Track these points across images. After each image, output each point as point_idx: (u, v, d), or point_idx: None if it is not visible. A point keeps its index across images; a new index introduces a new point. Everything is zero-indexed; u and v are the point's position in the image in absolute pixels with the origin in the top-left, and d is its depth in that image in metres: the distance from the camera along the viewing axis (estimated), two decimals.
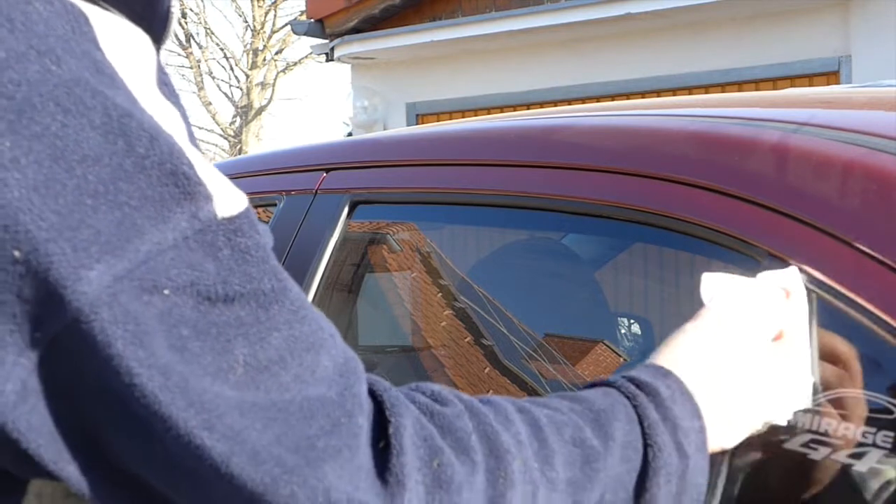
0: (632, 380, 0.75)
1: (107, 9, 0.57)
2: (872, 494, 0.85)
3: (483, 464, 0.62)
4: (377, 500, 0.56)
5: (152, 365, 0.51)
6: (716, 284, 0.86)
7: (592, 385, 0.77)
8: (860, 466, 0.84)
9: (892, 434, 0.83)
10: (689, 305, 1.00)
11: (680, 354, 0.79)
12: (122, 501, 0.56)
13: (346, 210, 1.42)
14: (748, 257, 0.97)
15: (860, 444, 0.85)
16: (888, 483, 0.84)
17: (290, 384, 0.55)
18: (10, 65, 0.50)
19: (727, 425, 0.79)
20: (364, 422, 0.58)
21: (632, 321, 1.50)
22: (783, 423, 0.83)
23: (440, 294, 1.53)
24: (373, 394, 0.61)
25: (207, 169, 0.56)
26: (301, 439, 0.55)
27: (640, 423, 0.72)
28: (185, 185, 0.54)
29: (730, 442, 0.80)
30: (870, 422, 0.85)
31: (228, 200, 0.56)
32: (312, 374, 0.57)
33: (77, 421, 0.53)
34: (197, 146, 0.59)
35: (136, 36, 0.59)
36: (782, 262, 0.93)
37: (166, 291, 0.52)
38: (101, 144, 0.52)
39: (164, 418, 0.52)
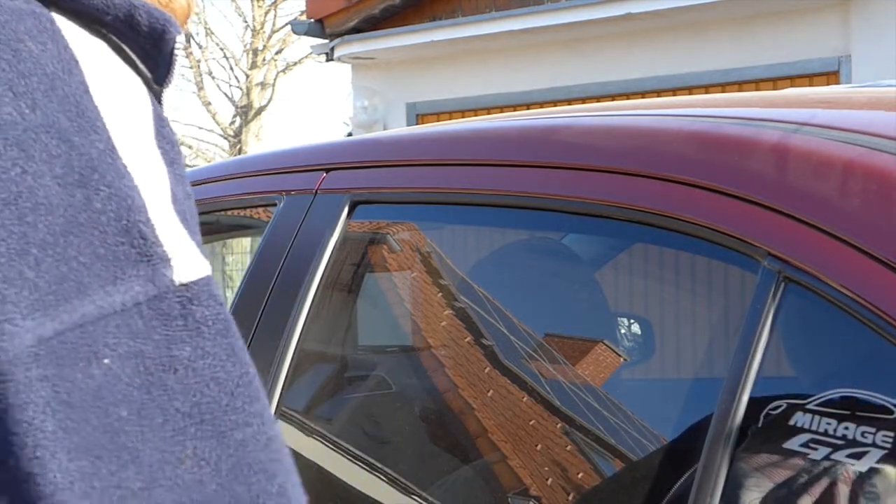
0: None
1: (111, 39, 0.55)
2: (872, 494, 0.85)
3: None
4: None
5: (62, 443, 0.46)
6: None
7: None
8: (860, 466, 0.84)
9: (892, 434, 0.83)
10: (689, 305, 1.00)
11: None
12: None
13: (346, 210, 1.42)
14: (748, 257, 0.97)
15: (860, 444, 0.85)
16: (888, 483, 0.84)
17: (274, 498, 0.49)
18: None
19: None
20: None
21: (632, 321, 1.50)
22: None
23: (440, 294, 1.53)
24: None
25: (173, 229, 0.51)
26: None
27: None
28: (140, 246, 0.49)
29: None
30: (870, 422, 0.85)
31: (188, 265, 0.51)
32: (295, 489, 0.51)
33: None
34: (183, 206, 0.55)
35: (133, 83, 0.56)
36: (782, 262, 0.93)
37: (106, 361, 0.47)
38: (57, 194, 0.48)
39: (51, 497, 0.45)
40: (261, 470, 0.49)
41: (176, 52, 0.60)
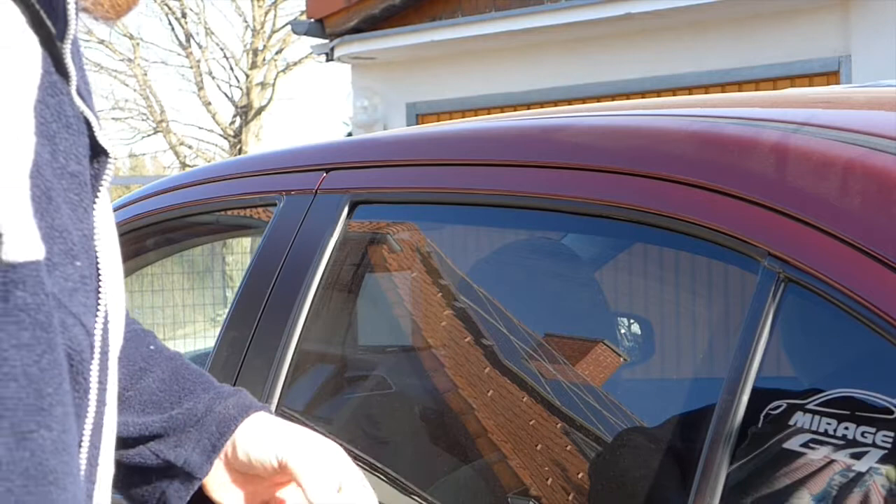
0: None
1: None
2: (872, 494, 0.85)
3: None
4: None
5: None
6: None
7: None
8: (860, 466, 0.84)
9: (892, 434, 0.83)
10: (689, 305, 1.00)
11: None
12: None
13: (346, 210, 1.42)
14: (748, 257, 0.97)
15: (860, 444, 0.85)
16: (888, 483, 0.84)
17: None
18: None
19: None
20: None
21: (632, 321, 1.50)
22: None
23: (440, 294, 1.53)
24: None
25: (11, 205, 0.47)
26: None
27: None
28: None
29: None
30: (870, 422, 0.85)
31: (18, 245, 0.47)
32: None
33: None
34: (49, 183, 0.51)
35: (24, 48, 0.51)
36: (782, 262, 0.93)
37: None
38: None
39: None
40: (55, 481, 0.46)
41: (69, 6, 0.55)
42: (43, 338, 0.47)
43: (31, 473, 0.45)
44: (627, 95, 7.49)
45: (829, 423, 0.88)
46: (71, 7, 0.55)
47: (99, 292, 0.55)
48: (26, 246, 0.47)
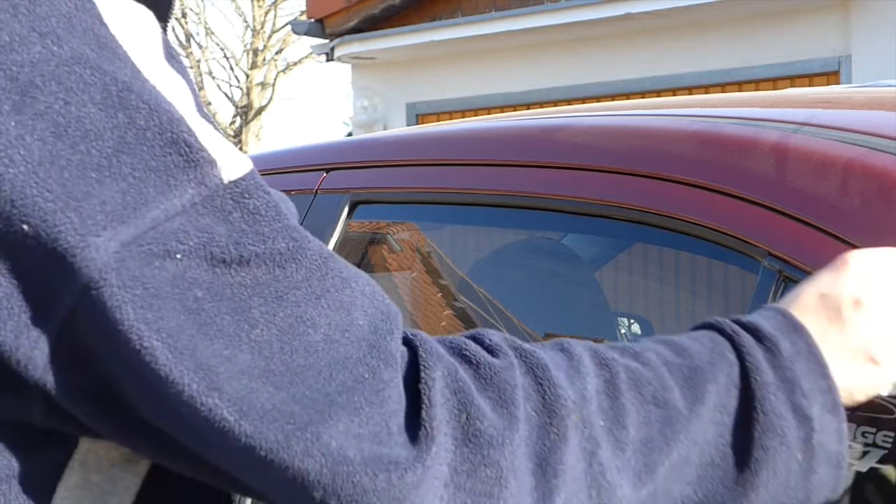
0: (751, 329, 0.68)
1: None
2: (872, 494, 0.85)
3: (527, 419, 0.59)
4: (404, 453, 0.55)
5: (161, 328, 0.53)
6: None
7: (705, 326, 0.71)
8: (860, 466, 0.84)
9: (892, 434, 0.83)
10: (690, 305, 1.00)
11: (814, 307, 0.71)
12: (149, 451, 0.59)
13: (346, 210, 1.42)
14: (748, 257, 0.97)
15: (860, 444, 0.85)
16: (888, 483, 0.84)
17: (319, 344, 0.55)
18: (13, 47, 0.53)
19: (858, 383, 0.71)
20: (392, 375, 0.57)
21: (632, 321, 1.50)
22: None
23: (440, 294, 1.53)
24: (410, 345, 0.60)
25: (211, 135, 0.57)
26: (319, 396, 0.54)
27: (747, 383, 0.65)
28: (187, 153, 0.55)
29: (859, 399, 0.73)
30: (870, 422, 0.85)
31: (233, 164, 0.57)
32: (344, 334, 0.56)
33: (99, 381, 0.55)
34: (206, 115, 0.61)
35: (141, 12, 0.61)
36: (782, 262, 0.93)
37: (178, 256, 0.53)
38: (102, 119, 0.54)
39: (171, 381, 0.53)
40: (311, 324, 0.55)
41: None
42: (277, 226, 0.58)
43: (291, 324, 0.57)
44: (627, 95, 7.49)
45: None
46: None
47: None
48: (239, 163, 0.58)
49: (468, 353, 0.61)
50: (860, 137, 0.97)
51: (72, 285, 0.53)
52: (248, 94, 18.59)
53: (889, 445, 0.83)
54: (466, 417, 0.57)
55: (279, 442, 0.53)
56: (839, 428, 0.68)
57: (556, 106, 1.91)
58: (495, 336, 0.64)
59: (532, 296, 1.47)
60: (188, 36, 18.61)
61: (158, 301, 0.53)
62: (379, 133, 1.74)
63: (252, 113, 18.49)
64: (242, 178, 0.57)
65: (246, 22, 18.90)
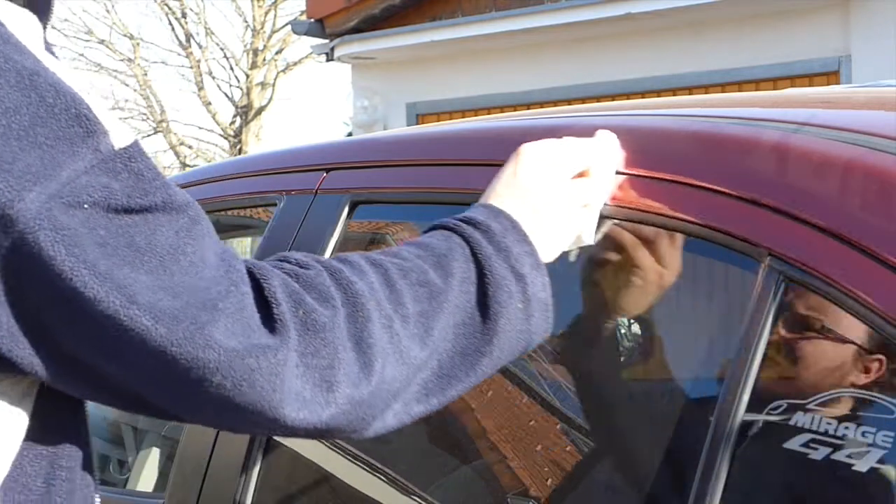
0: (469, 221, 0.92)
1: None
2: (872, 494, 0.85)
3: (342, 308, 0.80)
4: (271, 341, 0.75)
5: (86, 260, 0.68)
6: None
7: (434, 227, 0.93)
8: (860, 466, 0.84)
9: (892, 434, 0.83)
10: (690, 305, 1.00)
11: (506, 191, 0.97)
12: (68, 379, 0.74)
13: (346, 210, 1.42)
14: (748, 257, 0.97)
15: (860, 444, 0.85)
16: (888, 483, 0.84)
17: (192, 266, 0.73)
18: None
19: (547, 245, 0.96)
20: (247, 288, 0.77)
21: (632, 321, 1.50)
22: (590, 241, 1.05)
23: None
24: (248, 270, 0.79)
25: (104, 111, 0.71)
26: (205, 303, 0.72)
27: (475, 257, 0.88)
28: (87, 125, 0.70)
29: (551, 257, 0.97)
30: (870, 422, 0.85)
31: (122, 135, 0.72)
32: (205, 259, 0.75)
33: (32, 317, 0.70)
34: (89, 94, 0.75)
35: (27, 15, 0.76)
36: (782, 262, 0.93)
37: (86, 206, 0.69)
38: (18, 98, 0.68)
39: (99, 300, 0.69)
40: (182, 252, 0.74)
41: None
42: (158, 185, 0.74)
43: (166, 267, 0.74)
44: (627, 95, 7.49)
45: (829, 423, 0.88)
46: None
47: None
48: (126, 134, 0.72)
49: (288, 268, 0.82)
50: (860, 137, 0.97)
51: (10, 233, 0.67)
52: (248, 94, 18.58)
53: (889, 445, 0.83)
54: (303, 312, 0.78)
55: (186, 338, 0.71)
56: (544, 280, 0.92)
57: (556, 106, 1.91)
58: (298, 254, 0.85)
59: None
60: (188, 36, 18.61)
61: (78, 239, 0.68)
62: (379, 133, 1.74)
63: (252, 113, 18.48)
64: (129, 146, 0.72)
65: (246, 22, 18.90)
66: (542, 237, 0.94)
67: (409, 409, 0.85)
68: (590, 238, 1.04)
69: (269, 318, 0.76)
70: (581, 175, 1.02)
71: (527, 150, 0.99)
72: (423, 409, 0.86)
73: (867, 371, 0.90)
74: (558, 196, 0.98)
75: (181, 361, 0.71)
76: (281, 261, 0.84)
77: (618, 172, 1.10)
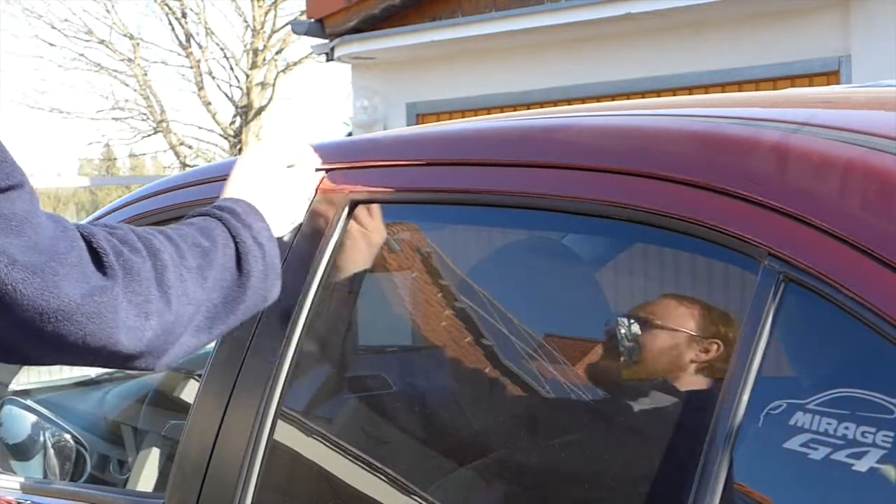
0: (219, 207, 1.21)
1: None
2: (872, 494, 0.85)
3: (148, 258, 1.04)
4: (105, 283, 0.97)
5: None
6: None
7: (193, 215, 1.20)
8: (860, 466, 0.84)
9: (892, 434, 0.83)
10: (690, 305, 1.00)
11: (241, 185, 1.28)
12: None
13: (346, 210, 1.42)
14: (748, 257, 0.97)
15: (860, 444, 0.85)
16: (888, 483, 0.84)
17: (38, 227, 0.92)
18: None
19: (275, 223, 1.26)
20: (82, 244, 0.97)
21: (632, 321, 1.50)
22: (300, 221, 1.39)
23: (440, 294, 1.53)
24: (76, 227, 0.98)
25: None
26: (57, 254, 0.93)
27: (230, 231, 1.16)
28: None
29: (279, 232, 1.28)
30: (870, 422, 0.85)
31: None
32: (44, 222, 0.94)
33: None
34: None
35: None
36: (782, 262, 0.93)
37: None
38: None
39: None
40: (29, 217, 0.92)
41: None
42: (8, 170, 0.93)
43: None
44: (627, 95, 7.49)
45: (829, 423, 0.88)
46: None
47: None
48: None
49: (104, 227, 1.04)
50: (860, 137, 0.97)
51: None
52: (248, 94, 18.57)
53: (889, 445, 0.83)
54: (123, 260, 1.00)
55: (51, 287, 0.91)
56: (276, 251, 1.20)
57: (556, 106, 1.91)
58: (104, 220, 1.05)
59: (532, 296, 1.47)
60: (188, 36, 18.60)
61: None
62: (379, 133, 1.74)
63: (252, 113, 18.47)
64: None
65: (246, 22, 18.89)
66: (272, 216, 1.25)
67: (191, 341, 1.10)
68: (300, 217, 1.39)
69: (100, 265, 0.98)
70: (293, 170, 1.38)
71: (248, 154, 1.35)
72: (199, 341, 1.12)
73: (867, 371, 0.90)
74: (277, 185, 1.32)
75: (50, 305, 0.91)
76: (93, 224, 1.06)
77: (618, 172, 1.10)
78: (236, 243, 1.16)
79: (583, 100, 7.51)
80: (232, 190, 1.28)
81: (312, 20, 8.77)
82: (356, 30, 8.51)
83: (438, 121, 7.03)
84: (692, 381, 1.20)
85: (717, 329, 1.18)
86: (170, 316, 1.04)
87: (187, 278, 1.07)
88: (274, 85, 18.81)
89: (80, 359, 1.01)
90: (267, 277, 1.17)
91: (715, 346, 1.16)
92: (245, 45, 18.98)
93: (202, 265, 1.11)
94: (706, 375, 1.18)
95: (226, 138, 18.93)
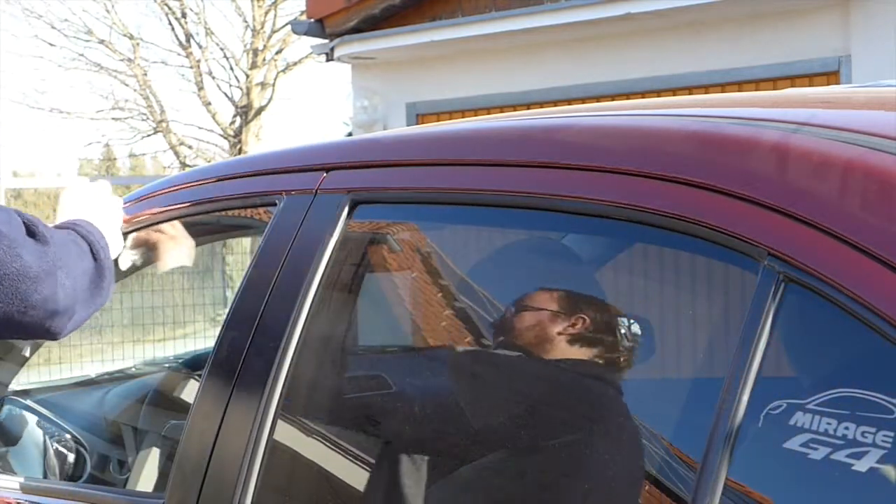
0: (73, 224, 1.48)
1: None
2: (872, 494, 0.85)
3: (57, 242, 1.32)
4: (46, 255, 1.28)
5: None
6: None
7: (58, 227, 1.47)
8: (860, 466, 0.84)
9: (892, 434, 0.83)
10: (690, 305, 1.00)
11: (78, 212, 1.56)
12: None
13: (346, 210, 1.42)
14: (748, 257, 0.97)
15: (860, 444, 0.85)
16: (888, 483, 0.84)
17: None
18: None
19: (111, 243, 1.53)
20: (27, 231, 1.29)
21: (632, 321, 1.50)
22: (119, 230, 1.66)
23: (440, 294, 1.53)
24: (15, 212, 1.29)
25: None
26: (18, 237, 1.25)
27: (88, 242, 1.44)
28: None
29: (114, 253, 1.56)
30: (870, 422, 0.85)
31: None
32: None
33: None
34: None
35: None
36: (782, 262, 0.93)
37: None
38: None
39: None
40: None
41: None
42: None
43: None
44: (627, 95, 7.49)
45: (829, 423, 0.88)
46: None
47: None
48: None
49: (26, 215, 1.32)
50: (860, 137, 0.97)
51: None
52: (248, 94, 18.57)
53: (889, 445, 0.83)
54: (48, 238, 1.29)
55: (9, 254, 1.22)
56: (111, 264, 1.48)
57: (556, 106, 1.91)
58: (26, 214, 1.33)
59: (532, 296, 1.47)
60: (188, 36, 18.59)
61: None
62: (379, 133, 1.74)
63: (252, 113, 18.47)
64: None
65: (246, 22, 18.88)
66: (108, 237, 1.53)
67: (78, 314, 1.37)
68: (119, 229, 1.67)
69: (41, 241, 1.28)
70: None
71: (71, 189, 1.67)
72: (80, 317, 1.38)
73: (867, 371, 0.90)
74: (102, 214, 1.60)
75: (13, 276, 1.23)
76: (19, 216, 1.32)
77: (618, 172, 1.10)
78: (92, 251, 1.46)
79: (583, 100, 7.51)
80: (70, 214, 1.62)
81: (312, 20, 8.77)
82: (356, 30, 8.51)
83: (438, 121, 7.03)
84: (692, 381, 1.20)
85: (717, 329, 1.18)
86: (73, 285, 1.34)
87: (78, 264, 1.38)
88: (274, 85, 18.80)
89: (21, 329, 1.30)
90: (110, 282, 1.48)
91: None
92: (245, 45, 18.97)
93: (81, 256, 1.40)
94: (707, 375, 1.18)
95: (226, 138, 18.92)
